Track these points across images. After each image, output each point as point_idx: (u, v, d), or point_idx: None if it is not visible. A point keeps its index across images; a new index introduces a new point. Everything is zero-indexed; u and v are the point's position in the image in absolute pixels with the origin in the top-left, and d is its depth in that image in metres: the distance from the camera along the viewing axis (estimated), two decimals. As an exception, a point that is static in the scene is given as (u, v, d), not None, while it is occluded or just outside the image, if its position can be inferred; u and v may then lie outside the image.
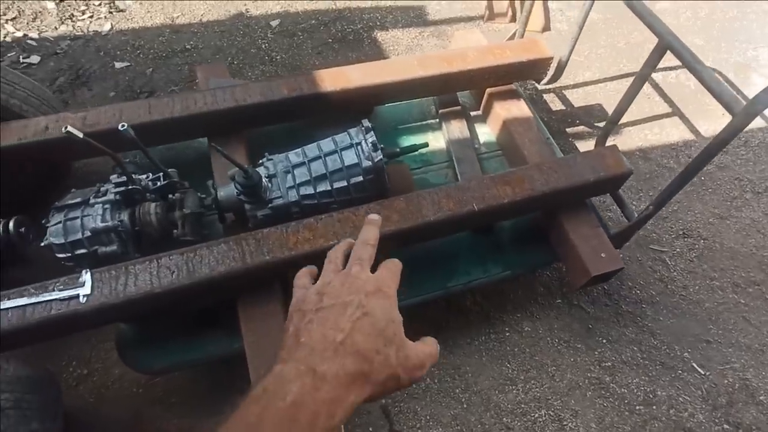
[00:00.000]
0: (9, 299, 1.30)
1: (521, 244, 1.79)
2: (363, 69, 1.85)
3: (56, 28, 2.80)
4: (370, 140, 1.46)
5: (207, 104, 1.72)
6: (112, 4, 2.94)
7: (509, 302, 1.96)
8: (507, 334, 1.89)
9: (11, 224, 1.53)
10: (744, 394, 1.80)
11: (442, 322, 1.90)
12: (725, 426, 1.73)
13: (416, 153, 1.78)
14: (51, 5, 2.89)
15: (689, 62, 1.38)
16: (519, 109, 1.97)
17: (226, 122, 1.77)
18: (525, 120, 1.93)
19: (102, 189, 1.47)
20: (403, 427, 1.69)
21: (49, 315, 1.28)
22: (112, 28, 2.82)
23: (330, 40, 2.84)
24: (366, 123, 1.49)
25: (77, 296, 1.30)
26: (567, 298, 1.98)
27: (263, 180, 1.43)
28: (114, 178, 1.53)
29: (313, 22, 2.93)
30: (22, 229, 1.55)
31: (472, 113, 2.13)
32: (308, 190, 1.46)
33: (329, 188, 1.47)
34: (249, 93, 1.75)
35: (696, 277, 2.06)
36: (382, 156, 1.45)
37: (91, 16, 2.87)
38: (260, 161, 1.53)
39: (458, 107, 2.07)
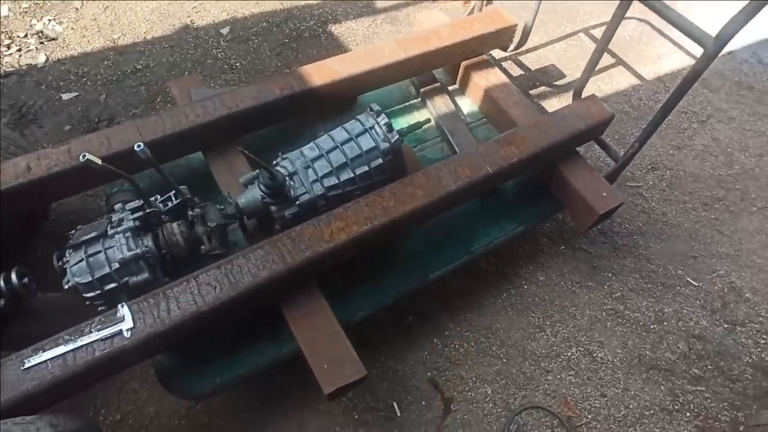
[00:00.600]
0: (44, 351, 1.21)
1: (526, 200, 1.91)
2: (347, 59, 1.87)
3: (-19, 68, 2.55)
4: (383, 122, 1.49)
5: (199, 116, 1.66)
6: (40, 34, 2.71)
7: (520, 258, 2.08)
8: (525, 286, 2.00)
9: (14, 275, 1.41)
10: (733, 295, 2.03)
11: (464, 288, 1.98)
12: (724, 325, 1.96)
13: (409, 133, 1.83)
14: (-31, 44, 2.62)
15: (657, 6, 1.53)
16: (496, 76, 2.07)
17: (221, 132, 1.72)
18: (504, 86, 2.04)
19: (115, 219, 1.39)
20: (453, 393, 1.76)
21: (94, 358, 1.21)
22: (47, 59, 2.61)
23: (286, 40, 2.81)
24: (375, 107, 1.52)
25: (120, 332, 1.24)
26: (569, 244, 2.13)
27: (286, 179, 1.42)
28: (119, 206, 1.46)
29: (264, 24, 2.88)
30: (25, 280, 1.43)
31: (450, 88, 2.21)
32: (332, 180, 1.47)
33: (352, 175, 1.48)
34: (241, 98, 1.72)
35: (671, 203, 2.29)
36: (398, 136, 1.49)
37: (20, 50, 2.64)
38: (275, 162, 1.51)
39: (437, 84, 2.14)
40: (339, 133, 1.53)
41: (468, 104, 2.16)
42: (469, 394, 1.76)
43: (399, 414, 1.71)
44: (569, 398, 1.77)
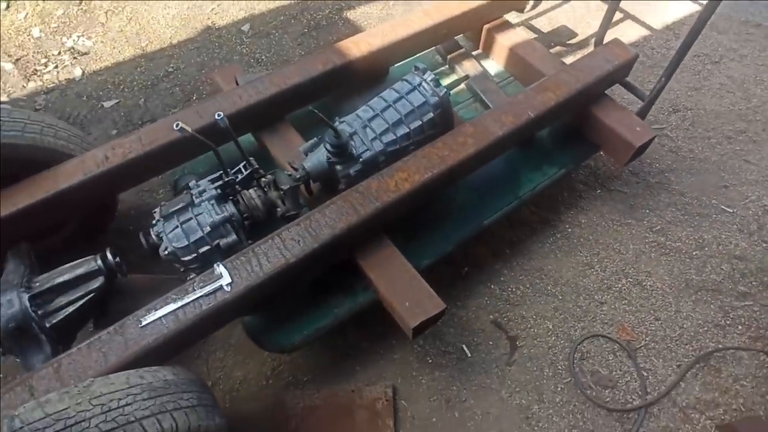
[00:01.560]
0: (156, 310, 1.33)
1: (562, 146, 2.01)
2: (379, 31, 1.98)
3: (24, 87, 2.68)
4: (429, 79, 1.60)
5: (252, 96, 1.78)
6: (72, 50, 2.85)
7: (560, 204, 2.18)
8: (569, 230, 2.11)
9: (109, 254, 1.53)
10: (766, 217, 2.13)
11: (512, 237, 2.08)
12: (763, 245, 2.05)
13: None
14: (9, 66, 2.75)
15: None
16: (518, 35, 2.18)
17: (272, 109, 1.84)
18: (528, 43, 2.14)
19: (195, 191, 1.51)
20: (516, 331, 1.87)
21: (201, 311, 1.33)
22: (83, 72, 2.74)
23: (305, 30, 2.92)
24: (420, 65, 1.63)
25: (220, 287, 1.36)
26: (604, 187, 2.23)
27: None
28: (193, 183, 1.57)
29: (282, 18, 3.00)
30: (118, 259, 1.55)
31: (473, 53, 2.31)
32: (390, 137, 1.58)
33: (407, 130, 1.60)
34: (287, 76, 1.83)
35: (696, 140, 2.39)
36: (445, 89, 1.60)
37: (56, 67, 2.77)
38: (327, 133, 1.62)
39: (462, 49, 2.25)
40: (389, 94, 1.64)
41: (493, 66, 2.27)
42: (532, 330, 1.87)
43: (469, 354, 1.82)
44: (626, 324, 1.87)
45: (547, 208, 2.17)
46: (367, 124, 1.59)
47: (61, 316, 1.46)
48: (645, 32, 2.86)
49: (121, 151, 1.64)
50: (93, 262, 1.52)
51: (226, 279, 1.36)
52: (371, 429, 1.67)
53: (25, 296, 1.43)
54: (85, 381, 1.11)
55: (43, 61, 2.79)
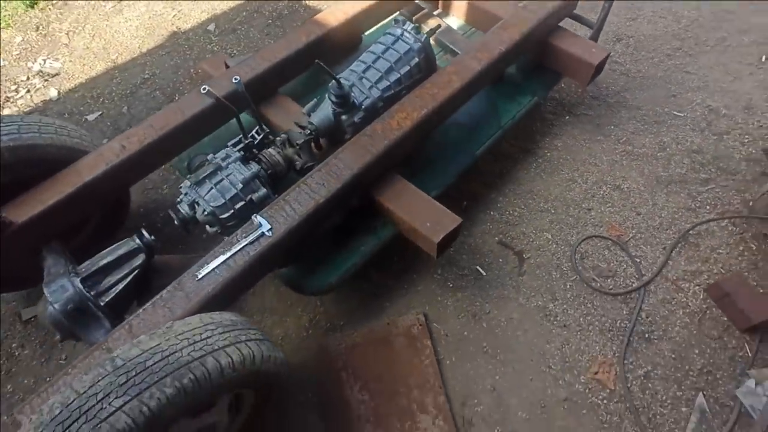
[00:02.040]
0: (207, 264, 1.45)
1: (530, 78, 2.23)
2: (349, 2, 2.14)
3: None
4: (410, 28, 1.78)
5: (247, 73, 1.90)
6: (41, 73, 2.86)
7: (536, 134, 2.41)
8: (548, 154, 2.34)
9: (145, 233, 1.63)
10: (713, 115, 2.43)
11: (501, 170, 2.29)
12: (713, 137, 2.34)
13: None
14: (-21, 97, 2.75)
15: None
16: (473, -12, 2.38)
17: (266, 84, 1.97)
18: (483, -7, 2.35)
19: (218, 157, 1.63)
20: (521, 246, 2.07)
21: (250, 257, 1.46)
22: (58, 92, 2.76)
23: (270, 21, 3.05)
24: (399, 17, 1.81)
25: (262, 234, 1.49)
26: (572, 113, 2.48)
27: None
28: (210, 157, 1.69)
29: (244, 13, 3.11)
30: (153, 236, 1.66)
31: (435, 12, 2.51)
32: (384, 83, 1.75)
33: (398, 75, 1.77)
34: (276, 51, 1.97)
35: (641, 62, 2.67)
36: (425, 35, 1.78)
37: (28, 91, 2.78)
38: (331, 85, 1.77)
39: (425, 10, 2.44)
40: (376, 47, 1.81)
41: (454, 21, 2.47)
42: (534, 243, 2.08)
43: (484, 273, 2.01)
44: (613, 223, 2.11)
45: (525, 139, 2.39)
46: (362, 76, 1.75)
47: (113, 294, 1.55)
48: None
49: (137, 139, 1.73)
50: (132, 242, 1.62)
51: (266, 226, 1.49)
52: (411, 352, 1.84)
53: (77, 280, 1.52)
54: (166, 324, 1.23)
55: (13, 87, 2.80)
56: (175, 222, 1.68)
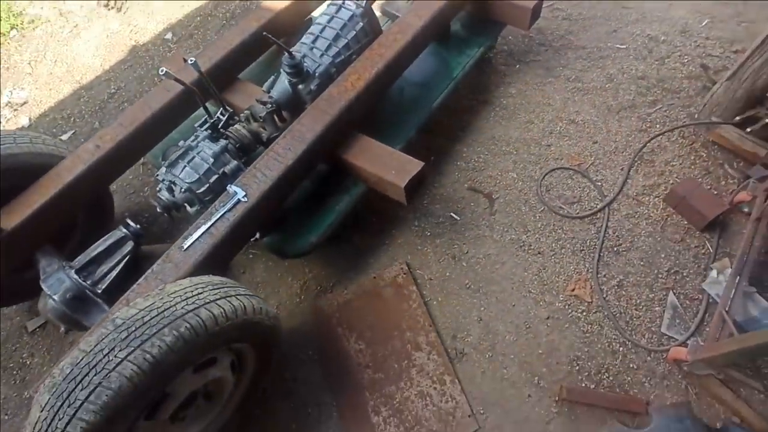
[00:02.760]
0: (190, 236, 1.54)
1: (474, 31, 2.34)
2: (292, -18, 2.24)
3: (-24, 149, 2.75)
4: (350, -6, 1.88)
5: (206, 62, 1.99)
6: (10, 104, 2.93)
7: (490, 85, 2.52)
8: (504, 101, 2.45)
9: (130, 222, 1.73)
10: (653, 42, 2.56)
11: (462, 123, 2.40)
12: (655, 63, 2.47)
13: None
14: (-47, 135, 2.81)
15: None
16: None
17: (225, 71, 2.06)
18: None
19: (189, 140, 1.72)
20: (490, 189, 2.18)
21: (230, 223, 1.56)
22: (29, 119, 2.84)
23: (224, 22, 3.14)
24: (338, -15, 1.91)
25: (238, 201, 1.59)
26: (521, 61, 2.60)
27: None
28: (181, 143, 1.78)
29: (198, 18, 3.19)
30: (138, 226, 1.75)
31: (378, -14, 2.61)
32: (334, 50, 1.86)
33: (346, 41, 1.87)
34: (231, 38, 2.06)
35: (580, 5, 2.80)
36: (367, 1, 1.89)
37: None
38: (283, 58, 1.86)
39: (368, -16, 2.54)
40: (322, 18, 1.91)
41: (396, -9, 2.58)
42: (501, 183, 2.19)
43: (458, 218, 2.12)
44: (573, 154, 2.23)
45: (481, 91, 2.50)
46: (312, 46, 1.85)
47: (108, 281, 1.64)
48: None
49: (109, 138, 1.82)
50: (119, 232, 1.71)
51: (241, 193, 1.59)
52: (400, 298, 1.95)
53: (71, 272, 1.61)
54: (158, 287, 1.33)
55: (-15, 122, 2.87)
56: (158, 209, 1.77)
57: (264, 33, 1.66)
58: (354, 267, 2.06)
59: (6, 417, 1.91)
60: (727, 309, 1.63)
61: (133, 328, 1.18)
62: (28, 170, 1.74)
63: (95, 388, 1.09)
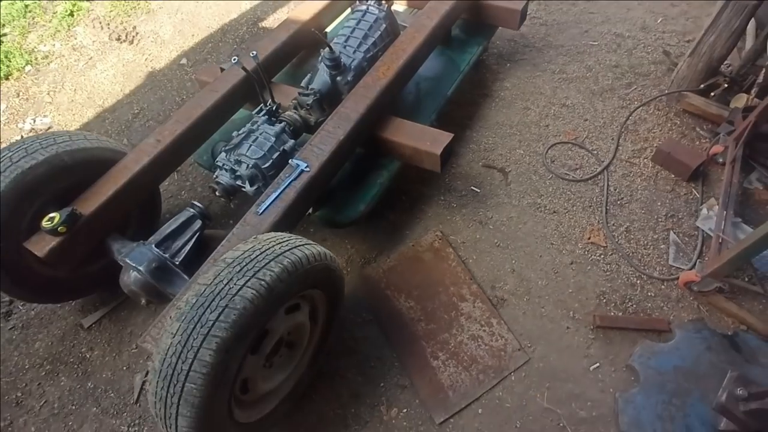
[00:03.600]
0: (263, 203, 1.73)
1: (471, 33, 2.70)
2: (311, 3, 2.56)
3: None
4: (372, 1, 2.20)
5: (247, 65, 2.24)
6: (33, 130, 3.06)
7: (488, 82, 2.87)
8: (502, 94, 2.80)
9: (197, 203, 1.90)
10: (620, 38, 2.99)
11: (468, 114, 2.72)
12: (625, 53, 2.89)
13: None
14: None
15: None
16: (408, -24, 2.87)
17: (254, 80, 2.30)
18: (417, -21, 2.84)
19: (247, 125, 1.94)
20: (503, 165, 2.47)
21: (298, 190, 1.76)
22: (55, 141, 2.96)
23: (235, 47, 3.41)
24: (361, -5, 2.23)
25: (301, 171, 1.80)
26: (511, 60, 2.97)
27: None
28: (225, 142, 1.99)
29: (210, 45, 3.46)
30: (202, 206, 1.92)
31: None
32: (364, 47, 2.15)
33: (374, 39, 2.17)
34: (265, 46, 2.32)
35: (554, 13, 3.24)
36: (386, 4, 2.20)
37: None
38: (324, 53, 2.11)
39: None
40: (349, 23, 2.21)
41: (400, 7, 2.94)
42: (511, 158, 2.49)
43: (479, 191, 2.38)
44: (569, 130, 2.57)
45: (481, 87, 2.84)
46: (345, 44, 2.14)
47: (184, 253, 1.80)
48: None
49: (168, 133, 2.01)
50: (188, 211, 1.87)
51: (303, 164, 1.80)
52: (439, 260, 2.16)
53: (152, 245, 1.76)
54: (251, 237, 1.51)
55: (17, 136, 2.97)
56: (217, 193, 1.96)
57: (312, 29, 1.92)
58: (392, 239, 2.27)
59: (73, 407, 1.96)
60: (721, 233, 1.94)
61: (245, 263, 1.35)
62: (98, 163, 1.90)
63: (223, 309, 1.25)
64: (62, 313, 2.22)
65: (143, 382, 1.99)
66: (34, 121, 3.12)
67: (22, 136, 3.03)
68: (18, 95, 3.29)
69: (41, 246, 1.74)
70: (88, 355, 2.10)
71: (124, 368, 2.04)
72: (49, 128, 3.06)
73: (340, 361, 1.94)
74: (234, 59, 1.75)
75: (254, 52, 1.82)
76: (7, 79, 3.40)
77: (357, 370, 1.92)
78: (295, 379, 1.75)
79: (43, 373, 2.08)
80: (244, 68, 1.81)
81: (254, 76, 1.89)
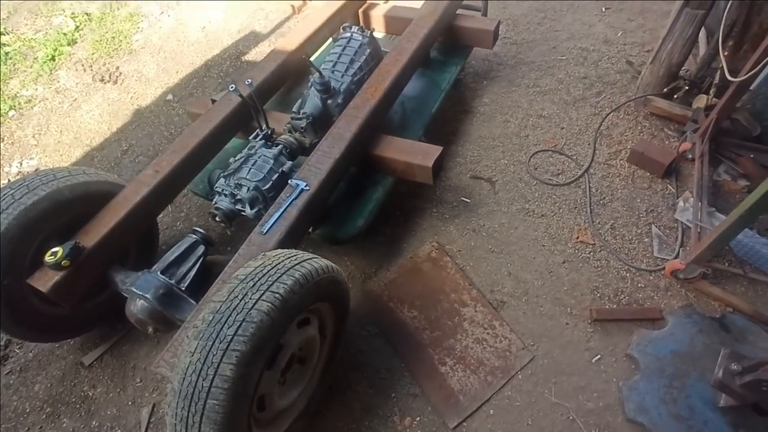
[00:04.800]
0: (267, 222, 1.78)
1: (449, 54, 2.86)
2: (296, 32, 2.67)
3: None
4: (356, 28, 2.33)
5: (235, 101, 2.31)
6: (20, 173, 3.05)
7: (467, 100, 3.02)
8: (482, 109, 2.94)
9: (198, 229, 1.93)
10: (585, 52, 3.20)
11: (452, 130, 2.84)
12: (591, 66, 3.09)
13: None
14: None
15: None
16: (383, 8, 3.03)
17: (250, 107, 2.38)
18: (393, 8, 3.00)
19: (246, 149, 2.00)
20: (489, 175, 2.58)
21: (299, 209, 1.82)
22: (44, 182, 2.95)
23: (220, 80, 3.50)
24: (345, 24, 2.35)
25: (302, 190, 1.87)
26: (488, 78, 3.14)
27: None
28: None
29: (195, 80, 3.54)
30: (204, 232, 1.96)
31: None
32: (351, 71, 2.26)
33: (360, 64, 2.29)
34: (257, 75, 2.41)
35: (522, 32, 3.45)
36: (370, 32, 2.33)
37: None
38: (314, 78, 2.21)
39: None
40: (336, 49, 2.33)
41: (378, 34, 3.09)
42: (497, 169, 2.61)
43: (469, 201, 2.48)
44: (548, 138, 2.71)
45: (461, 104, 2.99)
46: (333, 69, 2.24)
47: (189, 279, 1.82)
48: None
49: (166, 163, 2.06)
50: (190, 238, 1.91)
51: (303, 184, 1.87)
52: (438, 269, 2.23)
53: (157, 273, 1.77)
54: (259, 254, 1.55)
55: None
56: (217, 219, 2.00)
57: (303, 56, 2.02)
58: (390, 253, 2.33)
59: (79, 447, 1.91)
60: (699, 222, 2.07)
61: (257, 278, 1.39)
62: (98, 196, 1.92)
63: (241, 323, 1.28)
64: (60, 352, 2.19)
65: (150, 415, 1.97)
66: (21, 164, 3.12)
67: (9, 180, 3.02)
68: (2, 140, 3.28)
69: (45, 281, 1.74)
70: (90, 393, 2.06)
71: (130, 403, 2.01)
72: (36, 170, 3.05)
73: (350, 376, 1.96)
74: (231, 87, 1.83)
75: (249, 80, 1.91)
76: (-10, 124, 3.39)
77: (367, 382, 1.94)
78: (307, 396, 1.76)
79: (44, 416, 2.04)
80: (240, 95, 1.89)
81: (250, 103, 1.97)
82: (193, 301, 1.76)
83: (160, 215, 2.62)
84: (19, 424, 2.01)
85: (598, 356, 1.91)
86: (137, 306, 1.73)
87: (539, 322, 2.02)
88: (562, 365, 1.90)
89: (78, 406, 2.03)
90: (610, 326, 1.98)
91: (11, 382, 2.14)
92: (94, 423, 1.97)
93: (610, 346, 1.94)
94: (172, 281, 1.77)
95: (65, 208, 1.83)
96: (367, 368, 1.97)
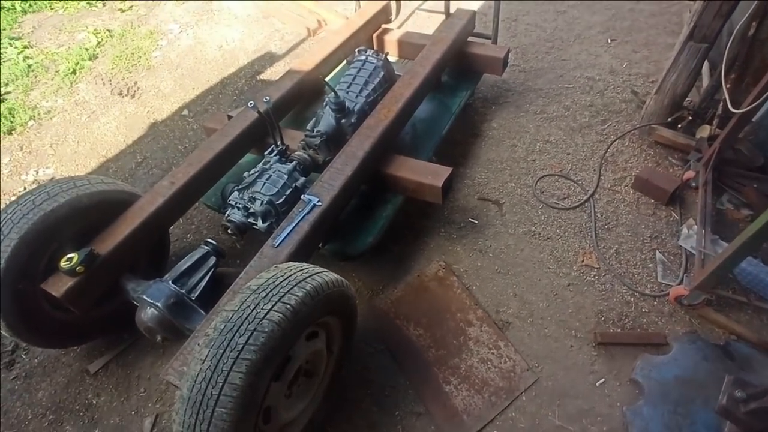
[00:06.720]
0: (278, 236, 1.82)
1: (460, 79, 2.95)
2: (313, 53, 2.77)
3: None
4: (371, 52, 2.41)
5: (251, 117, 2.38)
6: (36, 181, 3.12)
7: (477, 124, 3.09)
8: (490, 133, 3.00)
9: (210, 240, 1.97)
10: (591, 81, 3.28)
11: (461, 152, 2.90)
12: (597, 95, 3.17)
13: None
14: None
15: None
16: (396, 33, 3.14)
17: (266, 123, 2.46)
18: (406, 33, 3.11)
19: (260, 165, 2.06)
20: (497, 197, 2.63)
21: (311, 223, 1.86)
22: (58, 191, 3.01)
23: (235, 97, 3.60)
24: (360, 48, 2.44)
25: (314, 205, 1.91)
26: (496, 103, 3.22)
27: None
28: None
29: (210, 97, 3.64)
30: (216, 243, 1.99)
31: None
32: (366, 92, 2.34)
33: (374, 85, 2.37)
34: (273, 93, 2.49)
35: (530, 61, 3.55)
36: (384, 55, 2.42)
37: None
38: (330, 98, 2.28)
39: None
40: (350, 71, 2.41)
41: (391, 58, 3.19)
42: (504, 191, 2.65)
43: (476, 222, 2.52)
44: (554, 163, 2.76)
45: (471, 128, 3.06)
46: (348, 90, 2.32)
47: (200, 289, 1.85)
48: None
49: (181, 175, 2.11)
50: (202, 249, 1.94)
51: (315, 199, 1.91)
52: (444, 288, 2.25)
53: (168, 282, 1.80)
54: (271, 267, 1.58)
55: (12, 199, 3.01)
56: (229, 231, 2.04)
57: (320, 76, 2.10)
58: (398, 271, 2.36)
59: (80, 455, 1.90)
60: (702, 249, 2.09)
61: (269, 289, 1.42)
62: (115, 205, 1.97)
63: (252, 332, 1.31)
64: (66, 360, 2.20)
65: (153, 425, 1.97)
66: (37, 172, 3.19)
67: (24, 188, 3.08)
68: (21, 149, 3.36)
69: (58, 287, 1.77)
70: (94, 402, 2.06)
71: (133, 413, 2.01)
72: (52, 179, 3.12)
73: (354, 392, 1.96)
74: (251, 103, 1.90)
75: (267, 98, 1.98)
76: (10, 133, 3.48)
77: (372, 399, 1.94)
78: (312, 410, 1.77)
79: (46, 424, 2.04)
80: (258, 111, 1.96)
81: (267, 119, 2.03)
82: (202, 312, 1.78)
83: (171, 227, 2.67)
84: (21, 431, 2.01)
85: (603, 380, 1.91)
86: (147, 314, 1.76)
87: (544, 343, 2.03)
88: (566, 388, 1.90)
89: (81, 414, 2.03)
90: (614, 350, 1.99)
91: (16, 387, 2.15)
92: (95, 431, 1.97)
93: (614, 369, 1.94)
94: (183, 291, 1.80)
95: (82, 215, 1.88)
96: (372, 385, 1.97)
